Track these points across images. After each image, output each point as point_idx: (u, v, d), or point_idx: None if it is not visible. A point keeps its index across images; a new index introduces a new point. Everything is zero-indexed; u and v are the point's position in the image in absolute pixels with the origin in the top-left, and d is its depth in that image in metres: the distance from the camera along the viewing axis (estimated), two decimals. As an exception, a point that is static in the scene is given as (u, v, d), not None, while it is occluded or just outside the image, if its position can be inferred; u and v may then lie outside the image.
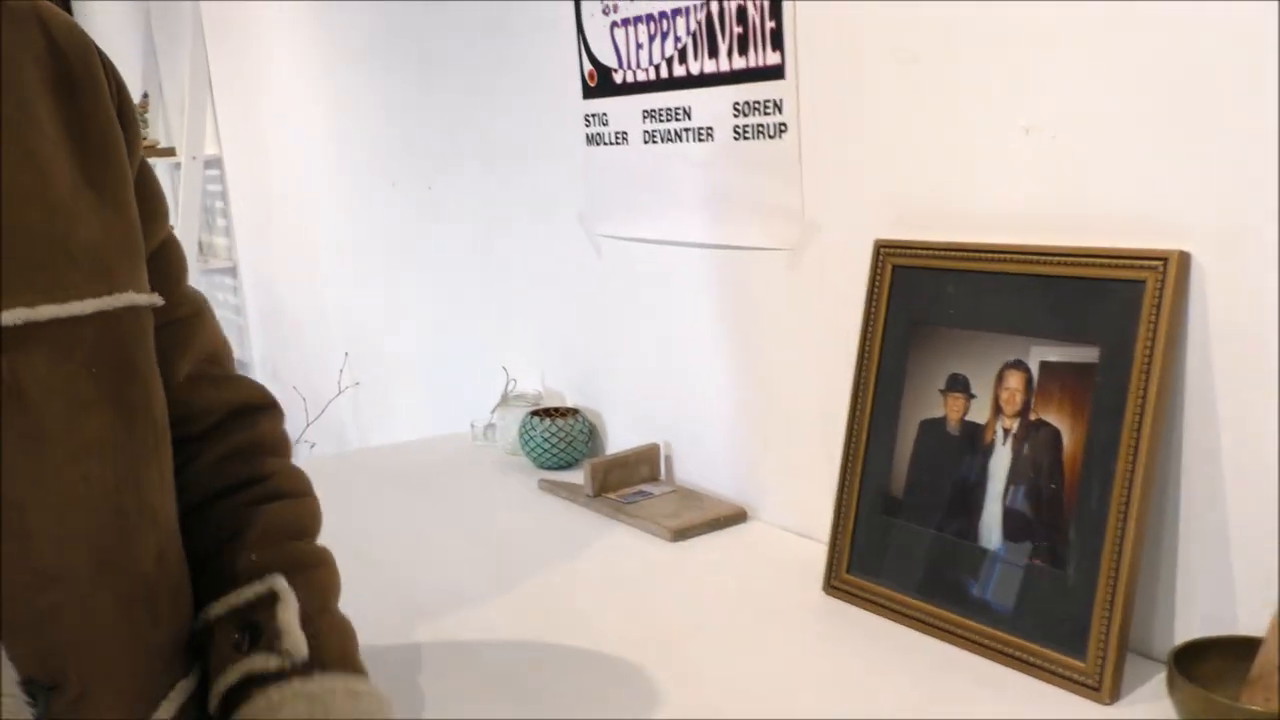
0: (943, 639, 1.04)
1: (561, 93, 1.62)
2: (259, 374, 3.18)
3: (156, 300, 0.76)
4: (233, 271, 3.22)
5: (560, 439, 1.65)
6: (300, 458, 1.00)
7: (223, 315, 3.39)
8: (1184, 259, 0.90)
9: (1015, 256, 1.02)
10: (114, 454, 0.71)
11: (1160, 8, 0.89)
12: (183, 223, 3.12)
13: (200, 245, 3.30)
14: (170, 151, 3.30)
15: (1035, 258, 1.00)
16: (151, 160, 3.32)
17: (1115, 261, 0.94)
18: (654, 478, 1.54)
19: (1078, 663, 0.94)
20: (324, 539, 0.89)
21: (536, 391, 1.80)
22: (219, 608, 0.79)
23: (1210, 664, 0.88)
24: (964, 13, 1.04)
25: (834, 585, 1.16)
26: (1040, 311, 1.00)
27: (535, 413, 1.69)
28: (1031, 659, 0.97)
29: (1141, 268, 0.92)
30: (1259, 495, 0.89)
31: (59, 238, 0.68)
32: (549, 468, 1.66)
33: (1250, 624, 0.90)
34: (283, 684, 0.75)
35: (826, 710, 0.95)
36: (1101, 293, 0.95)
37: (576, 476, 1.60)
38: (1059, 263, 0.98)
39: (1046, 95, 0.98)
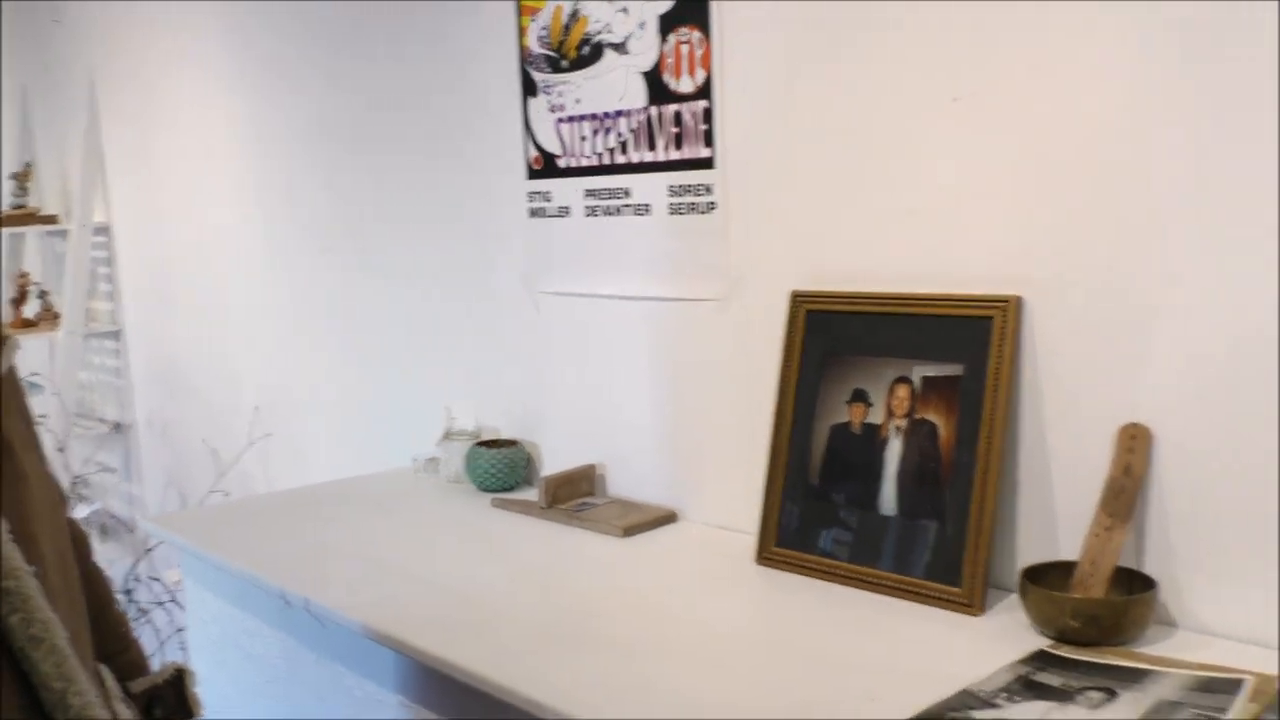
0: (855, 587, 1.39)
1: (505, 173, 1.94)
2: (143, 433, 3.26)
3: (18, 342, 0.86)
4: (116, 335, 3.30)
5: (505, 465, 1.93)
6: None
7: (101, 378, 3.45)
8: (1019, 302, 1.31)
9: (901, 301, 1.40)
10: (46, 480, 0.85)
11: (1006, 129, 1.30)
12: (71, 288, 3.20)
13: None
14: (52, 219, 3.38)
15: (916, 302, 1.39)
16: (31, 228, 3.39)
17: (973, 303, 1.33)
18: (592, 492, 1.84)
19: (956, 589, 1.30)
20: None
21: (474, 428, 2.07)
22: (137, 686, 1.04)
23: (1045, 580, 1.26)
24: (859, 127, 1.43)
25: (765, 556, 1.49)
26: (920, 341, 1.38)
27: (481, 443, 1.96)
28: (923, 591, 1.33)
29: (991, 308, 1.32)
30: (1074, 467, 1.29)
31: None
32: (492, 490, 1.93)
33: (1068, 555, 1.29)
34: None
35: (781, 641, 1.28)
36: (963, 326, 1.34)
37: (522, 496, 1.88)
38: (933, 305, 1.37)
39: (924, 186, 1.38)
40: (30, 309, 3.40)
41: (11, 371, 0.84)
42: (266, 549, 1.69)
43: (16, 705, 0.72)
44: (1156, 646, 1.18)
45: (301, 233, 2.49)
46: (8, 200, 3.37)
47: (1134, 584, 1.22)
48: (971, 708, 1.05)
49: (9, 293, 3.42)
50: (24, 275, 3.40)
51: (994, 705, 1.05)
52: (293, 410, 2.62)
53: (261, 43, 2.50)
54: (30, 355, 3.65)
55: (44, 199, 3.54)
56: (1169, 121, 1.17)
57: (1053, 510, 1.31)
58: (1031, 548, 1.33)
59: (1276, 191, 1.11)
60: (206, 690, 1.88)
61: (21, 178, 3.37)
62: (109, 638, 1.06)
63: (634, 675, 1.18)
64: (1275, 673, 1.07)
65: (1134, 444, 1.23)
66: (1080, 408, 1.28)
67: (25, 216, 3.35)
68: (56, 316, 3.34)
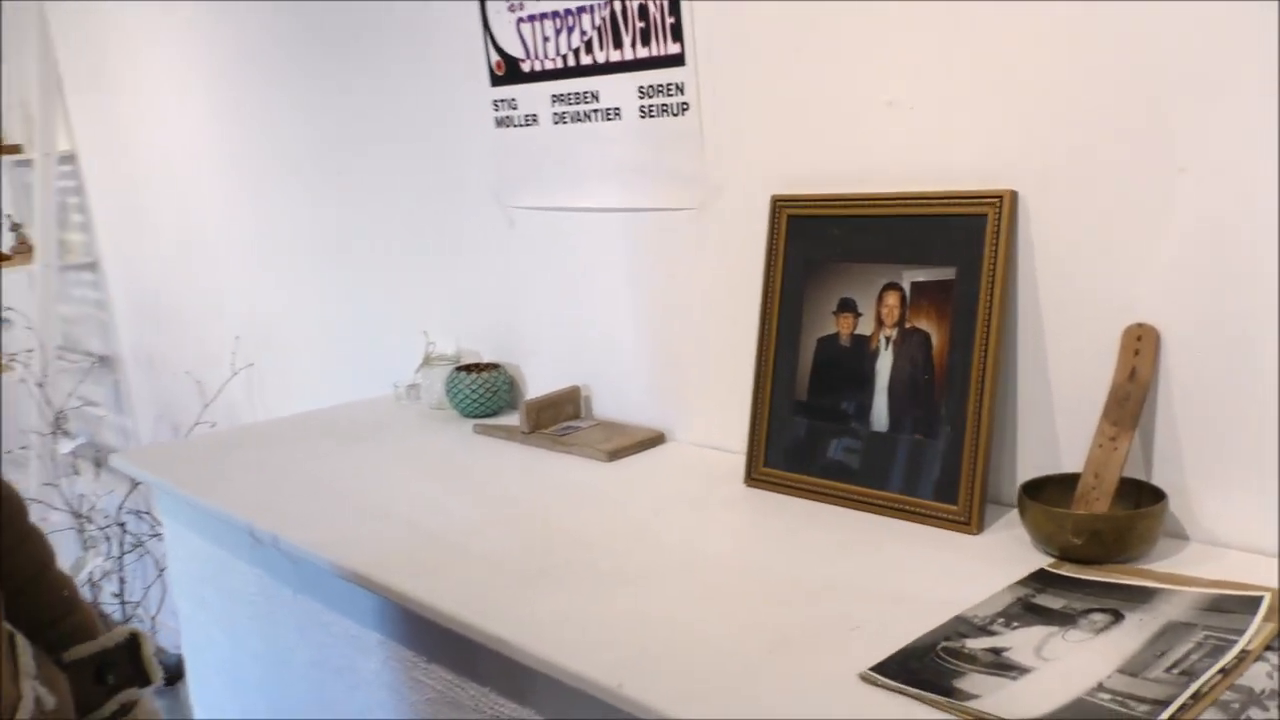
0: (846, 506, 1.32)
1: (468, 81, 1.82)
2: (130, 366, 3.20)
3: None
4: (93, 267, 3.22)
5: (486, 390, 1.85)
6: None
7: (85, 311, 3.38)
8: (1014, 197, 1.21)
9: (887, 202, 1.30)
10: None
11: (995, 12, 1.18)
12: (40, 219, 3.10)
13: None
14: (16, 148, 3.26)
15: (903, 201, 1.29)
16: (-3, 157, 3.27)
17: (964, 201, 1.23)
18: (577, 415, 1.77)
19: (952, 507, 1.23)
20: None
21: (455, 352, 1.99)
22: (81, 651, 0.98)
23: (1046, 495, 1.19)
24: (838, 13, 1.31)
25: (754, 477, 1.43)
26: (908, 243, 1.29)
27: (460, 368, 1.89)
28: (917, 510, 1.26)
29: (983, 205, 1.22)
30: (1074, 371, 1.21)
31: None
32: (475, 416, 1.86)
33: (1071, 468, 1.22)
34: (143, 702, 1.01)
35: (766, 566, 1.21)
36: (954, 225, 1.25)
37: (505, 421, 1.81)
38: (921, 205, 1.27)
39: (904, 76, 1.27)
40: (4, 242, 3.31)
41: None
42: (237, 483, 1.64)
43: None
44: (1166, 562, 1.11)
45: (268, 155, 2.38)
46: (-31, 131, 3.25)
47: (1142, 496, 1.15)
48: (965, 635, 0.99)
49: (-21, 227, 3.33)
50: (-7, 208, 3.30)
51: (990, 632, 0.99)
52: (275, 338, 2.54)
53: (210, -50, 2.35)
54: (9, 290, 3.57)
55: (10, 127, 3.41)
56: (1177, -10, 1.06)
57: (1054, 420, 1.24)
58: (1033, 460, 1.26)
59: (1296, 64, 1.00)
60: (191, 627, 1.85)
61: (-19, 107, 3.24)
62: (47, 603, 1.00)
63: (607, 607, 1.12)
64: (1291, 588, 1.00)
65: (1140, 346, 1.14)
66: (1082, 309, 1.19)
67: (-13, 147, 3.23)
68: (31, 249, 3.25)
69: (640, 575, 1.21)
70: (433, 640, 1.28)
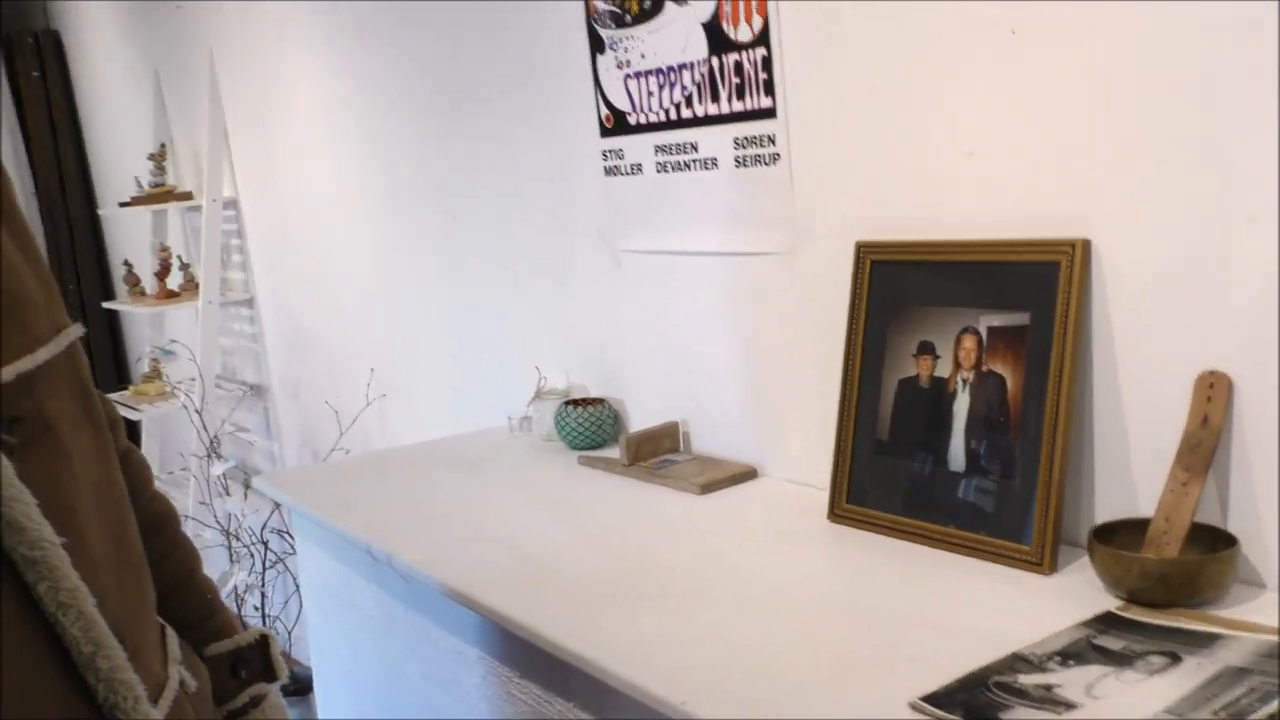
0: (923, 544, 1.36)
1: (580, 133, 1.94)
2: (278, 395, 3.44)
3: (81, 329, 0.90)
4: (250, 303, 3.48)
5: (591, 423, 1.95)
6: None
7: (241, 344, 3.65)
8: (1086, 245, 1.23)
9: (964, 248, 1.35)
10: (97, 455, 0.88)
11: (1067, 63, 1.22)
12: (206, 260, 3.38)
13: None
14: (187, 195, 3.57)
15: (979, 248, 1.33)
16: (169, 204, 3.59)
17: (1037, 248, 1.27)
18: (675, 449, 1.85)
19: (1025, 547, 1.26)
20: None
21: (565, 386, 2.10)
22: (219, 648, 1.09)
23: (1119, 538, 1.20)
24: (917, 66, 1.37)
25: (836, 513, 1.47)
26: (985, 288, 1.33)
27: (568, 403, 1.99)
28: (991, 549, 1.29)
29: (1057, 252, 1.25)
30: (1149, 417, 1.22)
31: (30, 292, 0.83)
32: (581, 448, 1.96)
33: (1147, 512, 1.22)
34: (271, 696, 1.11)
35: (838, 597, 1.26)
36: (1029, 272, 1.28)
37: (608, 453, 1.91)
38: (997, 251, 1.31)
39: (983, 128, 1.32)
40: (174, 280, 3.62)
41: (70, 353, 0.89)
42: (360, 506, 1.77)
43: (51, 667, 0.77)
44: (1239, 608, 1.11)
45: (395, 202, 2.55)
46: (148, 179, 3.58)
47: (1217, 542, 1.15)
48: (1019, 671, 1.02)
49: (153, 266, 3.64)
50: (165, 249, 3.62)
51: (1043, 669, 1.02)
52: (405, 372, 2.71)
53: (356, 28, 2.55)
54: (177, 323, 3.89)
55: (180, 176, 3.74)
56: (1245, 43, 1.07)
57: (1130, 464, 1.25)
58: (1110, 504, 1.27)
59: (1364, 115, 1.01)
60: (319, 638, 2.00)
61: (158, 158, 3.57)
62: (195, 605, 1.13)
63: (683, 632, 1.19)
64: (1358, 638, 1.00)
65: (1212, 393, 1.15)
66: (1156, 356, 1.20)
67: (163, 195, 3.55)
68: (197, 287, 3.54)
69: (718, 603, 1.27)
70: (526, 657, 1.37)
